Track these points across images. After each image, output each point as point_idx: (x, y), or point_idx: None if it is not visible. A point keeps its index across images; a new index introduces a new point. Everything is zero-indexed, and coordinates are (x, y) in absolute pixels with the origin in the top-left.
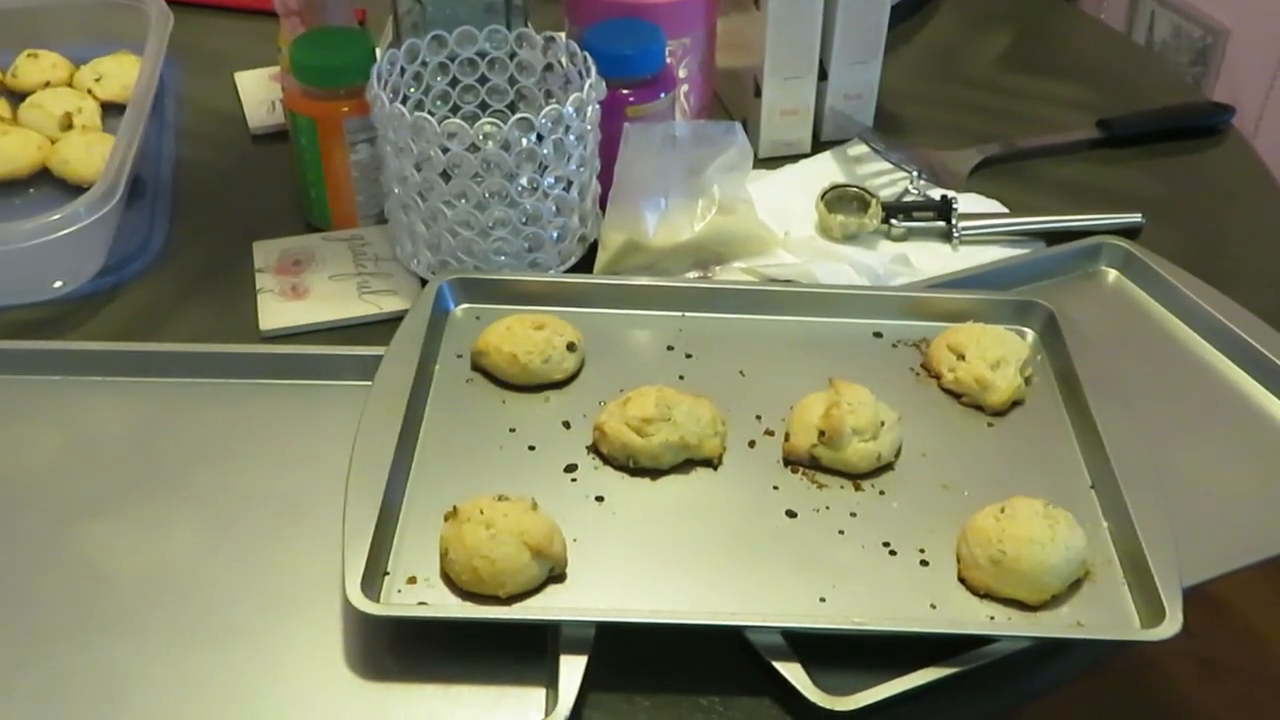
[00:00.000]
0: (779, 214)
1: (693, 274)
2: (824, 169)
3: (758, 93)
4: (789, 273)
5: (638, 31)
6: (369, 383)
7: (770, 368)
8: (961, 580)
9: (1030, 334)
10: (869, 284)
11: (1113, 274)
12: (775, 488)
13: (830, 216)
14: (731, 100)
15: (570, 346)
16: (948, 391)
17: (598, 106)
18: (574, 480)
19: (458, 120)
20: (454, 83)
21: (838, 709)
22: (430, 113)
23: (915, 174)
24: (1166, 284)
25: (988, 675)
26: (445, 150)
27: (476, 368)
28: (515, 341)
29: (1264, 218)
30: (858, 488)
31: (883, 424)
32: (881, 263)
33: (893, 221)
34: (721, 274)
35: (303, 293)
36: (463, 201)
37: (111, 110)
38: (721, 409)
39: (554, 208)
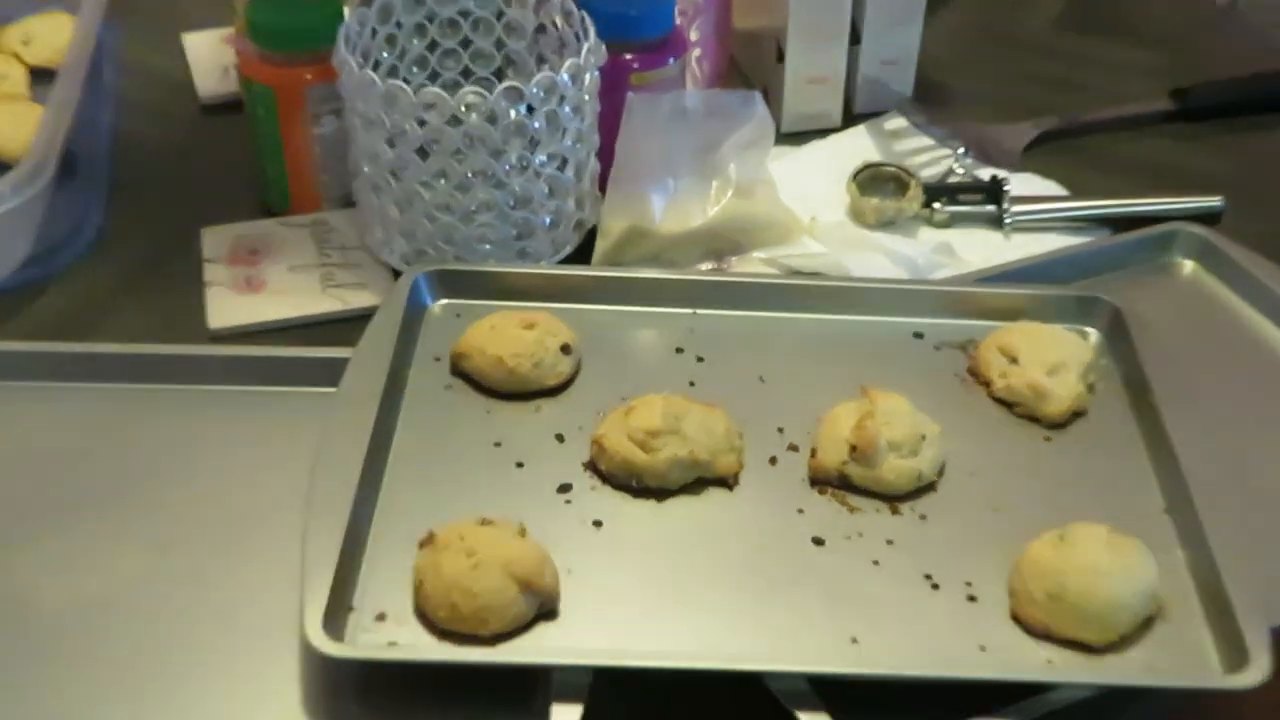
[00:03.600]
0: (804, 197)
1: (705, 265)
2: (856, 145)
3: (780, 58)
4: (816, 264)
5: None
6: (333, 389)
7: (794, 373)
8: (1014, 618)
9: (1093, 334)
10: (908, 277)
11: (1188, 265)
12: (800, 511)
13: (863, 200)
14: (750, 67)
15: (564, 349)
16: (998, 401)
17: (597, 74)
18: (568, 502)
19: (436, 89)
20: (433, 46)
21: None
22: (405, 80)
23: (961, 151)
24: (1249, 277)
25: None
26: (422, 123)
27: (457, 372)
28: (501, 342)
29: None
30: (895, 511)
31: (923, 438)
32: (922, 253)
33: (935, 205)
34: (738, 265)
35: (258, 286)
36: (442, 182)
37: (41, 77)
38: (738, 420)
39: (546, 189)
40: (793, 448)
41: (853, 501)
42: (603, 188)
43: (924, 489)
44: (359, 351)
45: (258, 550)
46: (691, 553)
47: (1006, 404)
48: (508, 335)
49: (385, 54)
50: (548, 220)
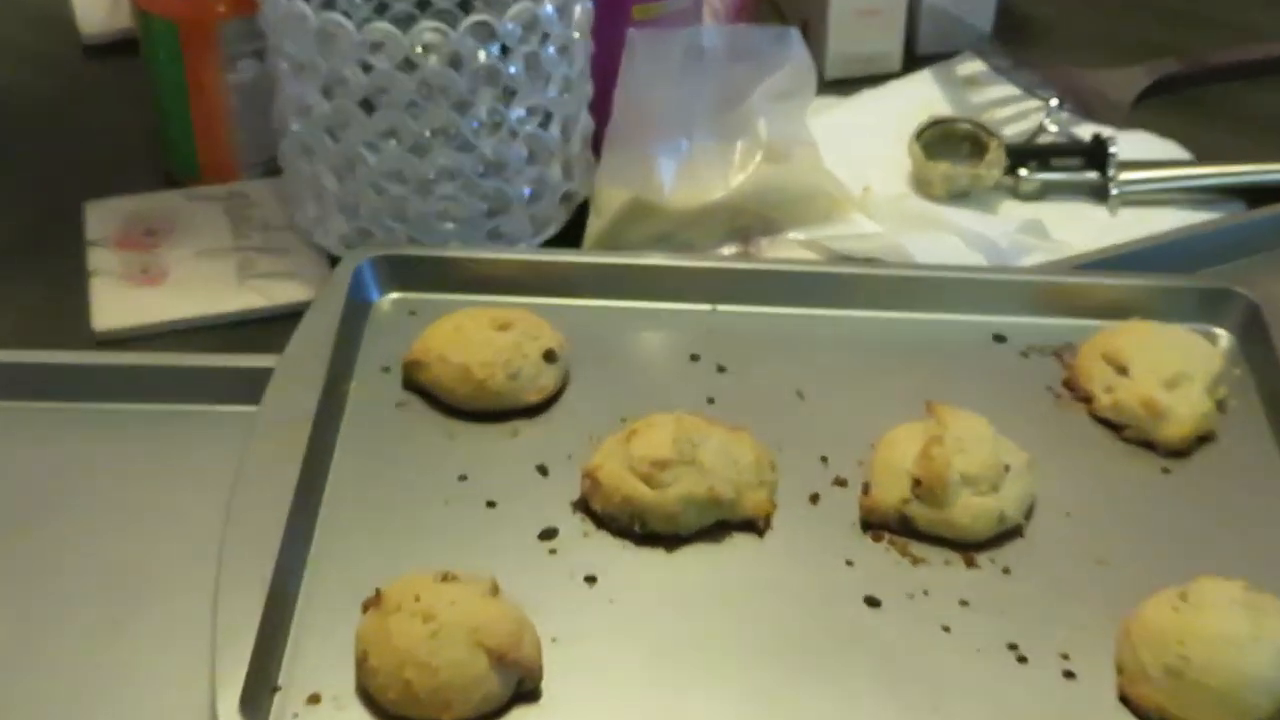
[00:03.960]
0: (855, 162)
1: (728, 249)
2: (921, 96)
3: None
4: (869, 247)
5: None
6: (254, 408)
7: (841, 387)
8: (1123, 700)
9: (1224, 337)
10: (986, 264)
11: None
12: (849, 563)
13: (930, 165)
14: None
15: (548, 355)
16: (1103, 422)
17: (590, 5)
18: (553, 552)
19: (385, 24)
20: None
21: None
22: (346, 14)
23: (1055, 103)
24: None
25: None
26: (367, 68)
27: (411, 386)
28: (468, 348)
29: None
30: (970, 563)
31: (1007, 469)
32: (1005, 233)
33: (1021, 172)
34: (770, 249)
35: (157, 276)
36: (392, 143)
37: None
38: (770, 447)
39: (525, 153)
40: (840, 482)
41: (916, 551)
42: (597, 151)
43: (1007, 535)
44: (286, 360)
45: (157, 614)
46: (710, 617)
47: (1113, 426)
48: (476, 339)
49: None
50: (527, 192)
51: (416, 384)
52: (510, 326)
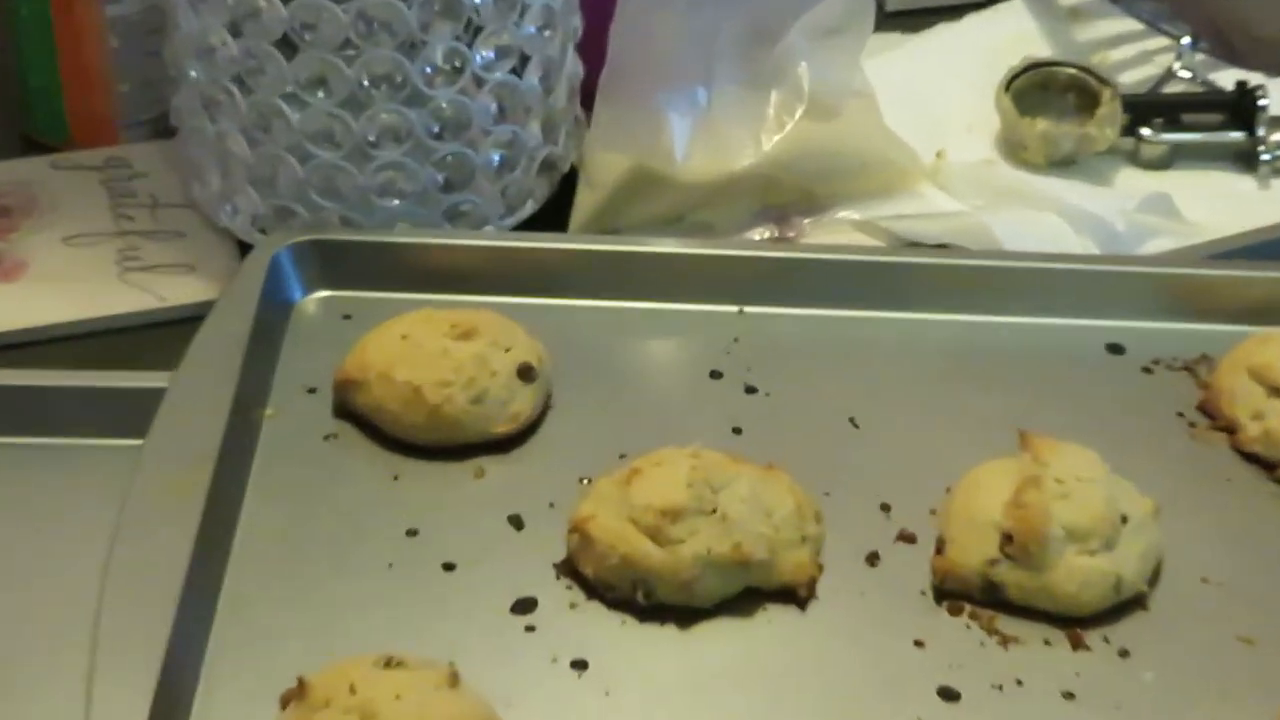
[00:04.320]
0: (925, 118)
1: (760, 233)
2: (1012, 31)
3: None
4: (943, 230)
5: None
6: (139, 442)
7: (908, 412)
8: None
9: None
10: (1098, 251)
11: None
12: (918, 644)
13: (1025, 123)
14: None
15: (524, 372)
16: (1250, 458)
17: None
18: (530, 629)
19: None
20: None
21: None
22: None
23: (1187, 41)
24: None
25: None
26: None
27: (345, 413)
28: (419, 363)
29: None
30: (1078, 644)
31: (1125, 521)
32: (1122, 211)
33: (1144, 132)
34: (814, 232)
35: (13, 269)
36: (320, 95)
37: None
38: (815, 491)
39: (494, 107)
40: (906, 537)
41: (1006, 627)
42: (587, 106)
43: (1126, 606)
44: (181, 379)
45: (12, 708)
46: (736, 713)
47: (1263, 463)
48: (429, 351)
49: None
50: (496, 159)
51: (352, 410)
52: (474, 335)
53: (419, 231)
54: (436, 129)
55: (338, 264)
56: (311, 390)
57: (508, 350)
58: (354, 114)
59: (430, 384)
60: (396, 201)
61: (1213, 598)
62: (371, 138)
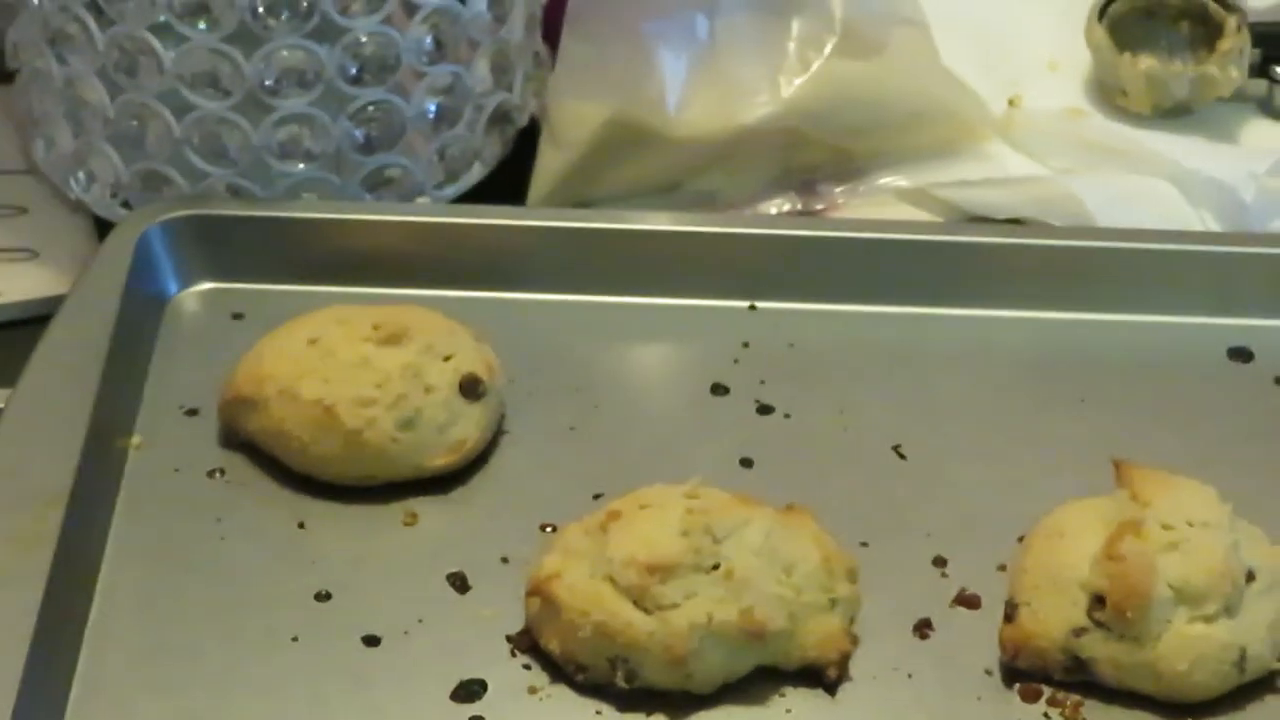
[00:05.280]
0: (995, 55)
1: (778, 205)
2: None
3: None
4: (1018, 200)
5: None
6: None
7: (967, 439)
8: None
9: None
10: (1219, 228)
11: None
12: None
13: (1124, 61)
14: None
15: (469, 387)
16: None
17: None
18: None
19: None
20: None
21: None
22: None
23: None
24: None
25: None
26: None
27: (235, 441)
28: (332, 375)
29: None
30: None
31: (1251, 578)
32: (1252, 174)
33: (1279, 71)
34: (849, 204)
35: None
36: (201, 29)
37: None
38: (846, 540)
39: (429, 42)
40: (966, 600)
41: (1097, 717)
42: (552, 38)
43: (1252, 689)
44: (21, 398)
45: None
46: None
47: None
48: (345, 359)
49: None
50: (432, 109)
51: (244, 437)
52: (403, 339)
53: (331, 205)
54: (354, 70)
55: (225, 247)
56: (191, 412)
57: (447, 359)
58: (245, 51)
59: (346, 403)
60: (302, 165)
61: None
62: (269, 82)
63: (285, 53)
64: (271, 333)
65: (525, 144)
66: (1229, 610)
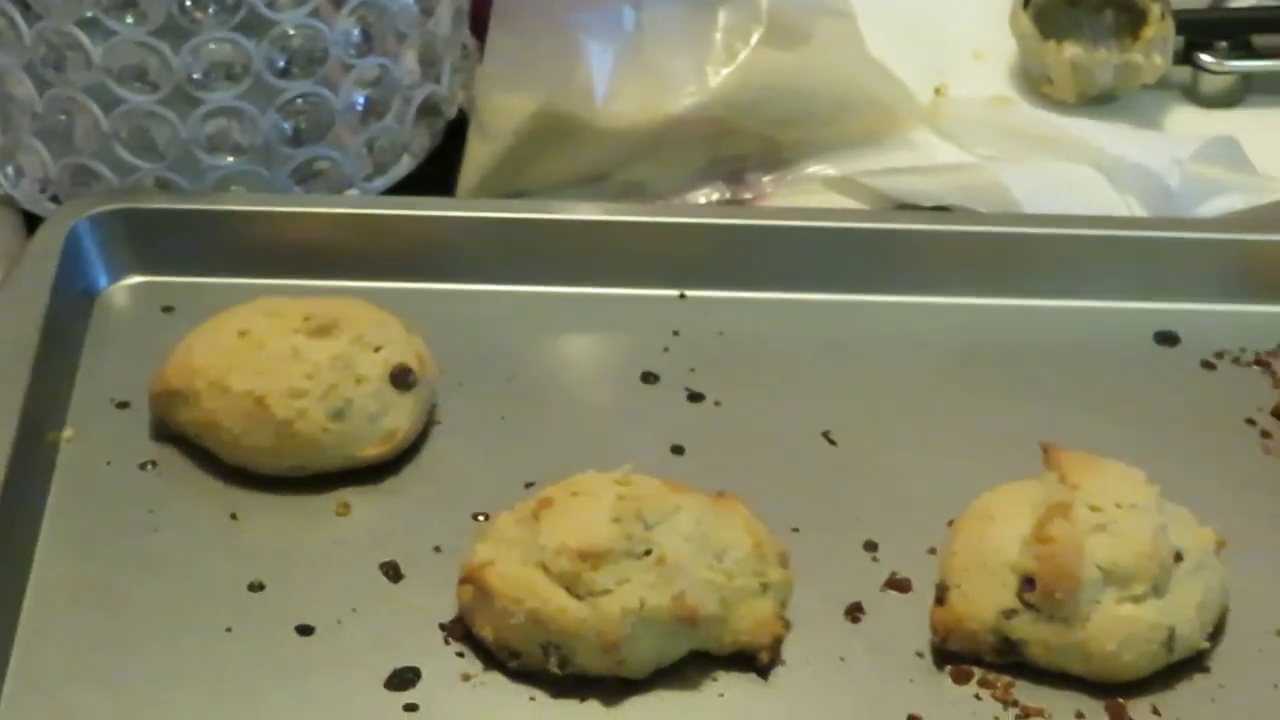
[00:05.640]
0: (923, 44)
1: (707, 195)
2: None
3: None
4: (944, 188)
5: None
6: None
7: (897, 425)
8: None
9: None
10: (1144, 214)
11: None
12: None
13: (1050, 48)
14: None
15: (400, 378)
16: None
17: None
18: (411, 709)
19: None
20: None
21: None
22: None
23: None
24: None
25: None
26: None
27: (167, 433)
28: (263, 367)
29: None
30: (1119, 716)
31: (1179, 559)
32: (1177, 161)
33: (1205, 59)
34: (778, 193)
35: None
36: (129, 22)
37: None
38: (777, 526)
39: (355, 34)
40: (897, 584)
41: (1027, 697)
42: (480, 30)
43: (1181, 668)
44: None
45: None
46: None
47: None
48: (276, 351)
49: None
50: (360, 101)
51: (175, 430)
52: (334, 330)
53: (260, 198)
54: (282, 63)
55: (154, 241)
56: (122, 405)
57: (378, 349)
58: (173, 45)
59: (278, 394)
60: (230, 158)
61: None
62: (197, 75)
63: (213, 46)
64: (201, 325)
65: (454, 136)
66: (1157, 591)
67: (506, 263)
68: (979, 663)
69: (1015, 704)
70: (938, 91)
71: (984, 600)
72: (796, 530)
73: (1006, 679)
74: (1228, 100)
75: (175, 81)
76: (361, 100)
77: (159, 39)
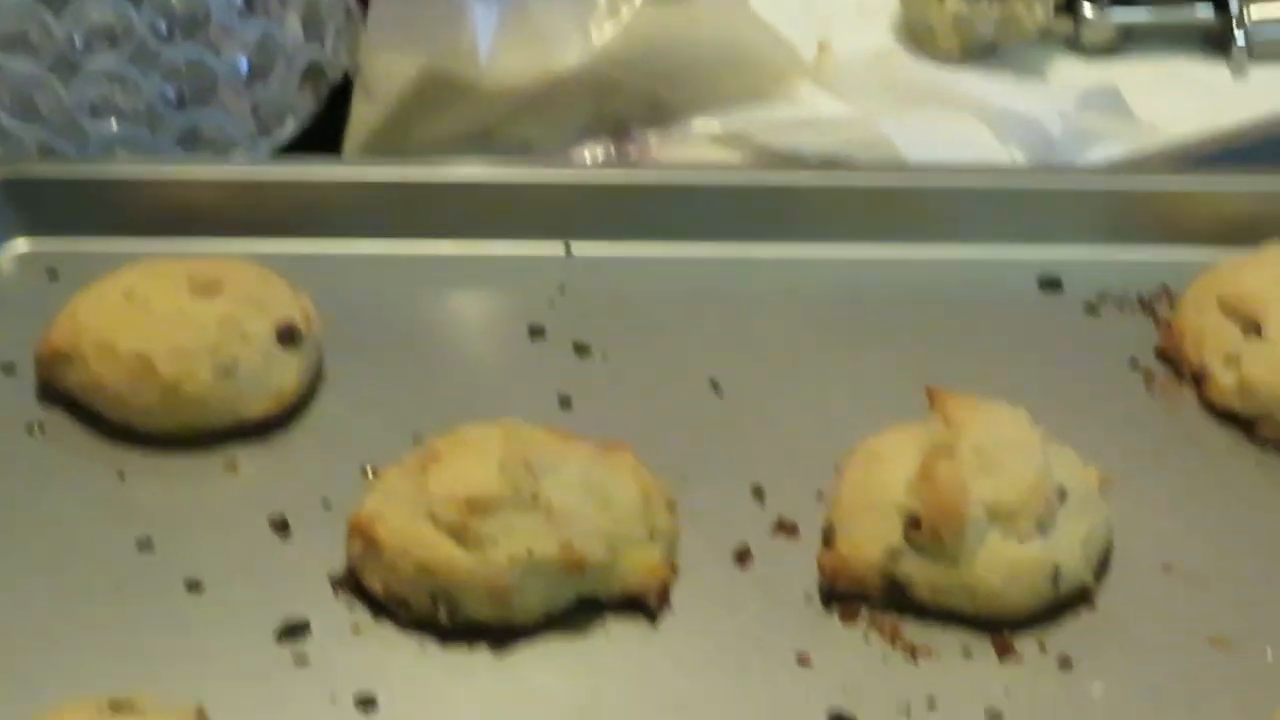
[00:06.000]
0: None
1: (591, 151)
2: None
3: None
4: (829, 141)
5: None
6: None
7: (782, 372)
8: None
9: None
10: (1027, 164)
11: None
12: (803, 661)
13: (932, 2)
14: None
15: (287, 336)
16: (1222, 414)
17: None
18: (302, 661)
19: None
20: None
21: None
22: None
23: None
24: None
25: None
26: None
27: (53, 395)
28: (149, 328)
29: None
30: (1006, 652)
31: (1063, 497)
32: (1059, 110)
33: (1086, 10)
34: (663, 148)
35: None
36: None
37: None
38: (665, 473)
39: (239, 0)
40: (785, 528)
41: (915, 636)
42: None
43: (1067, 604)
44: None
45: None
46: None
47: (1240, 421)
48: (162, 311)
49: None
50: (244, 64)
51: (62, 391)
52: (219, 290)
53: (145, 162)
54: (164, 27)
55: (37, 206)
56: (7, 369)
57: (264, 308)
58: (54, 10)
59: (164, 354)
60: (114, 123)
61: (1177, 591)
62: (79, 41)
63: (95, 12)
64: (87, 287)
65: (339, 97)
66: (1042, 529)
67: (392, 221)
68: (867, 603)
69: (903, 642)
70: (822, 47)
71: (871, 542)
72: (684, 478)
73: (894, 619)
74: (1109, 50)
75: (57, 47)
76: (245, 64)
77: (40, 5)
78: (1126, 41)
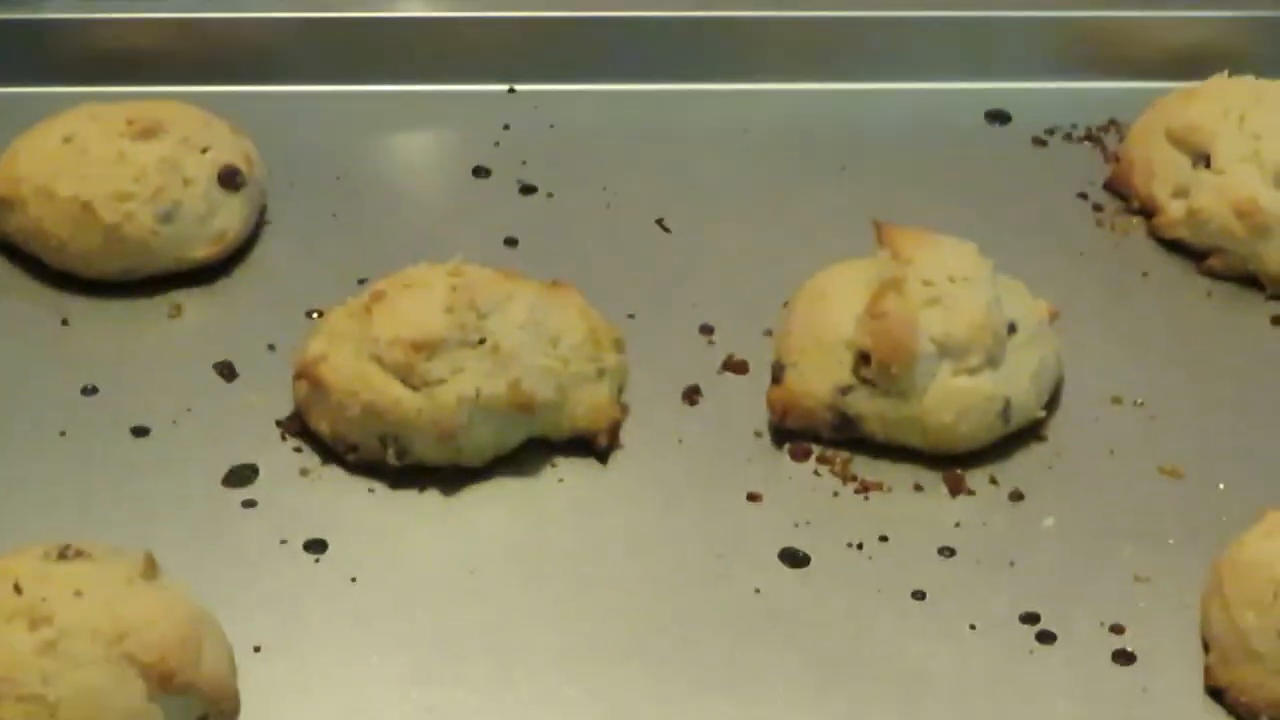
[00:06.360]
0: None
1: None
2: None
3: None
4: None
5: None
6: None
7: (729, 209)
8: (1213, 692)
9: None
10: None
11: None
12: (753, 498)
13: None
14: None
15: (229, 178)
16: (1172, 245)
17: None
18: (250, 505)
19: None
20: None
21: None
22: None
23: None
24: None
25: None
26: None
27: None
28: (88, 171)
29: None
30: (957, 487)
31: (1012, 330)
32: None
33: None
34: None
35: None
36: None
37: None
38: (612, 312)
39: None
40: (733, 366)
41: (865, 471)
42: None
43: (1018, 437)
44: None
45: None
46: (518, 602)
47: (1190, 251)
48: (101, 155)
49: None
50: None
51: (2, 238)
52: (159, 132)
53: (79, 6)
54: None
55: None
56: None
57: (205, 151)
58: None
59: (104, 198)
60: None
61: (1128, 422)
62: None
63: None
64: (25, 133)
65: None
66: (992, 362)
67: (333, 63)
68: (817, 440)
69: (854, 479)
70: None
71: (820, 378)
72: (632, 316)
73: (845, 455)
74: None
75: None
76: None
77: None
78: None
